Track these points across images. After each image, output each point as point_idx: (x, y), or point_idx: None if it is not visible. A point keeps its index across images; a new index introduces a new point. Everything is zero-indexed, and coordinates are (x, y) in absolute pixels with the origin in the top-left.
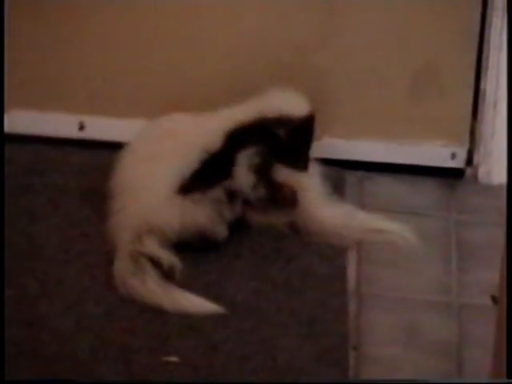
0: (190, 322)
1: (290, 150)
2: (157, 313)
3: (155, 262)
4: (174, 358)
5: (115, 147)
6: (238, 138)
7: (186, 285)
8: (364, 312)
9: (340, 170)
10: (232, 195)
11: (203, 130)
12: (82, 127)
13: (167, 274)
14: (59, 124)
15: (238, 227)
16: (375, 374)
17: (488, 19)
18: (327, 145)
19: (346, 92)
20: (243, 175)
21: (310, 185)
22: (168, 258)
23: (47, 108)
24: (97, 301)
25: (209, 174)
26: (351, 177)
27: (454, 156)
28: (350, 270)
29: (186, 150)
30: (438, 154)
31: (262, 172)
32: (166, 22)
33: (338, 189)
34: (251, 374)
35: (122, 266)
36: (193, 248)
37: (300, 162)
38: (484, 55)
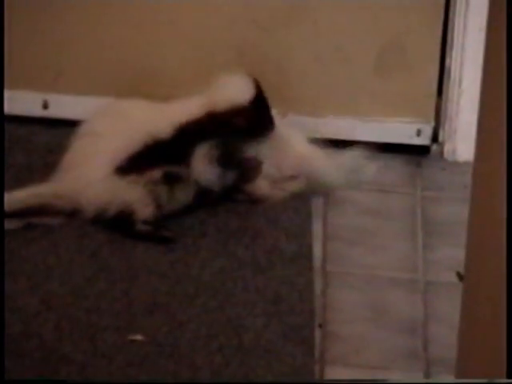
0: (155, 301)
1: (251, 128)
2: (122, 291)
3: None
4: (139, 337)
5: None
6: (189, 132)
7: (151, 263)
8: (330, 290)
9: None
10: (175, 180)
11: (153, 118)
12: (46, 106)
13: None
14: (23, 102)
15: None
16: (341, 351)
17: None
18: (293, 123)
19: (311, 69)
20: (204, 169)
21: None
22: None
23: (11, 86)
24: (62, 280)
25: (150, 157)
26: None
27: (419, 133)
28: (315, 248)
29: (130, 132)
30: (404, 130)
31: (227, 160)
32: (132, 1)
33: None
34: (217, 353)
35: None
36: (109, 225)
37: (266, 126)
38: (449, 33)
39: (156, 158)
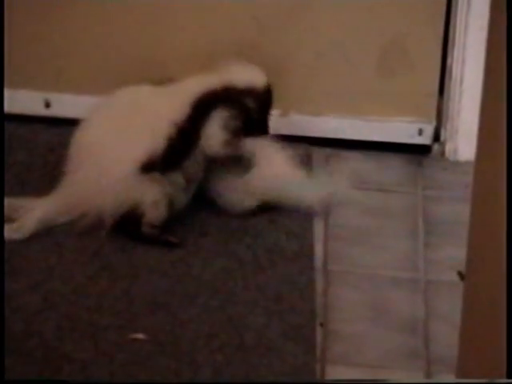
0: (156, 300)
1: (255, 118)
2: (124, 290)
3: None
4: (140, 336)
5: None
6: (205, 104)
7: (152, 262)
8: (331, 289)
9: (307, 147)
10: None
11: (170, 102)
12: (48, 105)
13: None
14: (25, 101)
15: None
16: (342, 350)
17: None
18: (294, 122)
19: (312, 68)
20: (214, 133)
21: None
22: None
23: (13, 85)
24: (64, 279)
25: (175, 153)
26: (318, 154)
27: (421, 132)
28: (317, 247)
29: (154, 124)
30: (405, 130)
31: (235, 133)
32: (132, 1)
33: (305, 166)
34: (218, 352)
35: None
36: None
37: (262, 128)
38: (450, 32)
39: (179, 152)
